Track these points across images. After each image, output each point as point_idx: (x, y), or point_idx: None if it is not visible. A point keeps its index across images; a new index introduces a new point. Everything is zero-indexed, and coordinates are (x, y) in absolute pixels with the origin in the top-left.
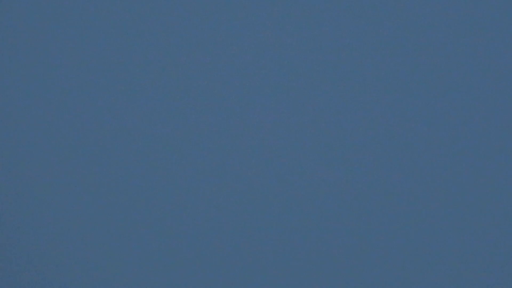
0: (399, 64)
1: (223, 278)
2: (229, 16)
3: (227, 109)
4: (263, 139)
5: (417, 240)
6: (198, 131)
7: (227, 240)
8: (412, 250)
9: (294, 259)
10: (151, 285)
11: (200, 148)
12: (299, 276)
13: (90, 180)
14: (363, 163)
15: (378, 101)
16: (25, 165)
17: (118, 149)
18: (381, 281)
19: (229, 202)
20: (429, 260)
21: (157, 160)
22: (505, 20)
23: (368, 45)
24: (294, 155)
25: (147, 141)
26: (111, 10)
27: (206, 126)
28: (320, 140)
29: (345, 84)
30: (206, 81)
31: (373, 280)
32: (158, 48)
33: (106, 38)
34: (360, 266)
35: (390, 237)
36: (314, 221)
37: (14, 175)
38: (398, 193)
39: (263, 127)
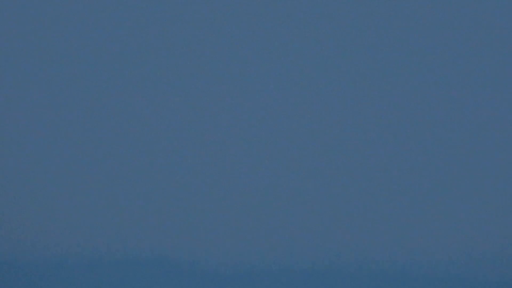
0: (396, 65)
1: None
2: (228, 17)
3: (226, 108)
4: (260, 137)
5: (415, 239)
6: (196, 129)
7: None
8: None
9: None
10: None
11: (198, 147)
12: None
13: (89, 179)
14: (360, 162)
15: (375, 100)
16: (24, 158)
17: (117, 147)
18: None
19: (228, 200)
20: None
21: (157, 159)
22: (505, 20)
23: (368, 46)
24: (292, 154)
25: (147, 141)
26: (111, 11)
27: (204, 125)
28: (316, 136)
29: (339, 84)
30: (205, 81)
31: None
32: (157, 49)
33: (106, 39)
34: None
35: (388, 235)
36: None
37: (14, 173)
38: (393, 191)
39: (260, 124)
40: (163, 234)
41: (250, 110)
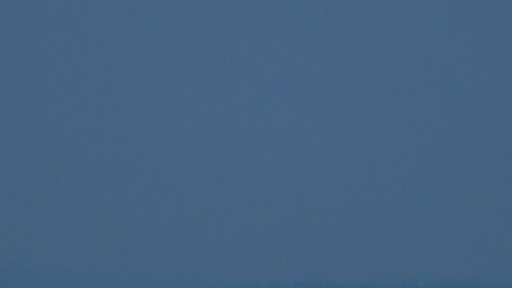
0: (397, 67)
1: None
2: (229, 18)
3: (227, 109)
4: (261, 138)
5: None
6: (197, 130)
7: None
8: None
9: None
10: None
11: (199, 149)
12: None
13: (89, 180)
14: (361, 163)
15: (375, 101)
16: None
17: (117, 148)
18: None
19: (229, 200)
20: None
21: (157, 160)
22: (505, 21)
23: (368, 46)
24: (292, 154)
25: (147, 142)
26: (111, 11)
27: (204, 125)
28: (316, 137)
29: (340, 84)
30: (206, 81)
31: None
32: (158, 50)
33: (107, 39)
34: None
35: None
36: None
37: (14, 174)
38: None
39: (261, 125)
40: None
41: (249, 112)
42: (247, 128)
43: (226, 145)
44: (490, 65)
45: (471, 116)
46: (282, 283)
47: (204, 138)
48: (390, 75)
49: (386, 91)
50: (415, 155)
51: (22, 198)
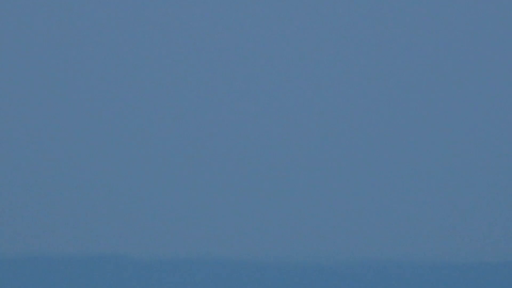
0: (396, 65)
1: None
2: (229, 17)
3: (227, 108)
4: (261, 137)
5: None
6: (197, 130)
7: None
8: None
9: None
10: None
11: (199, 148)
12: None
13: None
14: (361, 163)
15: (375, 100)
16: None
17: (117, 147)
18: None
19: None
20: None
21: (157, 160)
22: (505, 20)
23: (368, 45)
24: (292, 154)
25: (147, 142)
26: (111, 11)
27: (204, 125)
28: (316, 137)
29: (341, 83)
30: (206, 81)
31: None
32: (158, 49)
33: (106, 39)
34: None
35: (389, 238)
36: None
37: (14, 174)
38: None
39: (261, 125)
40: (165, 234)
41: (249, 112)
42: (246, 126)
43: (225, 144)
44: (490, 65)
45: (470, 116)
46: (281, 262)
47: (203, 137)
48: (390, 74)
49: (386, 90)
50: (416, 155)
51: (22, 195)
